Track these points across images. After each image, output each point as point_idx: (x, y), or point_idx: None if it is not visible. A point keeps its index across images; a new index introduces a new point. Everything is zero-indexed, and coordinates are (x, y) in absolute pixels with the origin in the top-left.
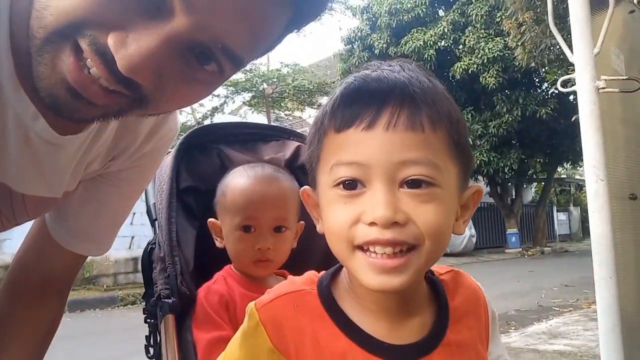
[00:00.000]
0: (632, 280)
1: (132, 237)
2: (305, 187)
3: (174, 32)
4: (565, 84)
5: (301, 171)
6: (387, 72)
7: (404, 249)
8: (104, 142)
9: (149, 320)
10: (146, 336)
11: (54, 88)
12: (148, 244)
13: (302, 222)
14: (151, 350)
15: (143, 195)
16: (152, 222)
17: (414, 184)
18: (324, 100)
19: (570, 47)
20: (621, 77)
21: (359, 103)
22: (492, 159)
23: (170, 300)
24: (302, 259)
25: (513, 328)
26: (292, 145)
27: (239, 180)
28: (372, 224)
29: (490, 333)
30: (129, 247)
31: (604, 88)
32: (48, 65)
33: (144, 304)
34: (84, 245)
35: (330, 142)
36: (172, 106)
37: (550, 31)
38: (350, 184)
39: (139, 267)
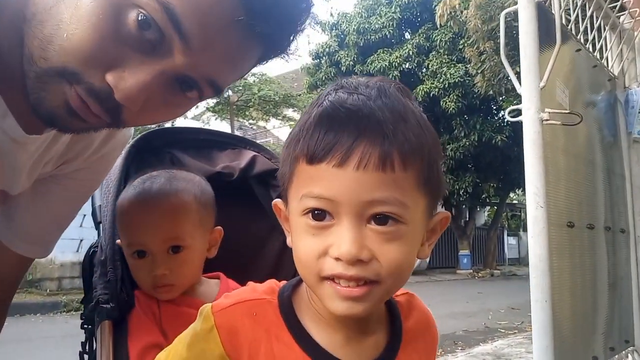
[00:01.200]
0: (566, 304)
1: (81, 240)
2: (277, 200)
3: (169, 67)
4: (512, 113)
5: (255, 180)
6: (363, 100)
7: (367, 281)
8: (61, 145)
9: (85, 325)
10: (82, 342)
11: (55, 109)
12: (90, 247)
13: (218, 227)
14: (86, 357)
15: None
16: (97, 224)
17: (380, 219)
18: (289, 111)
19: (519, 79)
20: (564, 111)
21: (331, 135)
22: (448, 181)
23: (108, 306)
24: (253, 264)
25: (460, 348)
26: (248, 154)
27: (124, 201)
28: (337, 258)
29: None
30: (77, 251)
31: (547, 120)
32: (50, 92)
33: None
34: (28, 247)
35: (301, 172)
36: (144, 123)
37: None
38: (320, 214)
39: None
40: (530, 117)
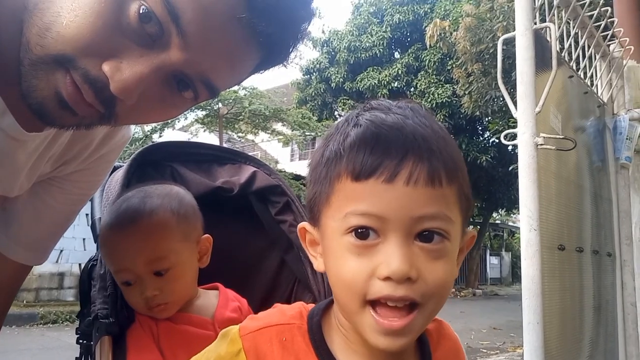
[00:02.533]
0: (556, 325)
1: (61, 250)
2: (304, 223)
3: (167, 62)
4: (507, 137)
5: (255, 196)
6: (401, 118)
7: (411, 311)
8: (60, 145)
9: (81, 341)
10: (76, 358)
11: (46, 99)
12: (90, 260)
13: (206, 236)
14: None
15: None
16: (96, 237)
17: (426, 237)
18: (278, 126)
19: (514, 102)
20: (558, 136)
21: (378, 152)
22: None
23: (107, 321)
24: (250, 280)
25: None
26: (248, 170)
27: (102, 229)
28: (386, 278)
29: None
30: (56, 261)
31: (542, 144)
32: (42, 80)
33: (66, 323)
34: (25, 254)
35: (345, 189)
36: (138, 121)
37: (496, 83)
38: (363, 233)
39: (65, 283)
40: (526, 141)
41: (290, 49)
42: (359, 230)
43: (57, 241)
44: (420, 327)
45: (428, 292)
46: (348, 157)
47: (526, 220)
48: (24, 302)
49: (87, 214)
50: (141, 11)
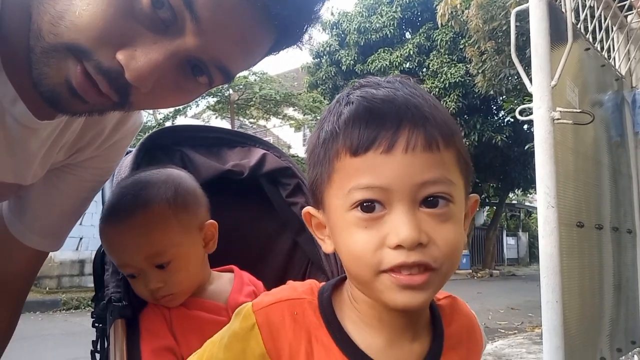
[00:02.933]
0: (575, 304)
1: (81, 238)
2: (309, 207)
3: (181, 48)
4: (522, 112)
5: (265, 178)
6: (392, 91)
7: (427, 267)
8: (72, 133)
9: (97, 324)
10: (93, 341)
11: (56, 87)
12: (101, 245)
13: (211, 221)
14: (97, 356)
15: (96, 195)
16: None
17: (431, 202)
18: (289, 110)
19: (529, 78)
20: (575, 110)
21: (373, 125)
22: None
23: (120, 304)
24: (262, 262)
25: None
26: (258, 152)
27: (101, 224)
28: (398, 246)
29: None
30: (77, 249)
31: (559, 119)
32: (53, 67)
33: (88, 309)
34: (41, 240)
35: (345, 165)
36: (151, 107)
37: (510, 61)
38: (369, 206)
39: (86, 270)
40: (542, 116)
41: (304, 31)
42: (365, 204)
43: (72, 228)
44: (437, 286)
45: (440, 255)
46: (344, 134)
47: (543, 197)
48: (47, 288)
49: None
50: None
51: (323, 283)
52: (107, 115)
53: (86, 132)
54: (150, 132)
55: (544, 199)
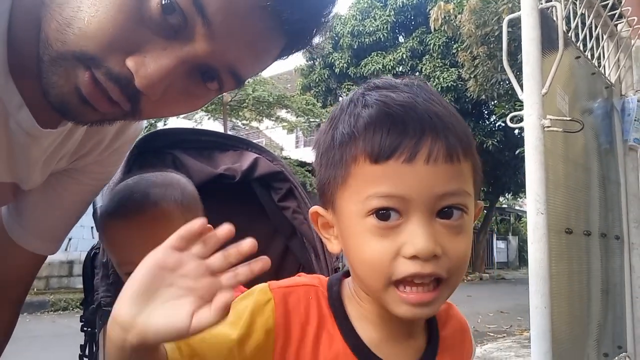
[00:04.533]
0: (563, 309)
1: (70, 239)
2: (316, 207)
3: (192, 54)
4: (513, 119)
5: (257, 183)
6: (412, 97)
7: (436, 286)
8: (74, 142)
9: (86, 328)
10: (81, 345)
11: (66, 95)
12: (92, 248)
13: (207, 226)
14: None
15: None
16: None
17: (446, 213)
18: (282, 112)
19: (520, 84)
20: (566, 118)
21: (395, 133)
22: None
23: (110, 309)
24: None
25: None
26: (250, 156)
27: (104, 218)
28: (413, 257)
29: None
30: (65, 249)
31: (549, 127)
32: (62, 76)
33: (76, 310)
34: (39, 244)
35: (363, 172)
36: (161, 115)
37: (502, 66)
38: (385, 214)
39: (75, 270)
40: (532, 123)
41: (314, 35)
42: (381, 212)
43: (69, 231)
44: (445, 299)
45: (452, 267)
46: (364, 139)
47: (533, 203)
48: (35, 289)
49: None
50: (163, 2)
51: (329, 277)
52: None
53: (87, 141)
54: (143, 132)
55: (533, 206)
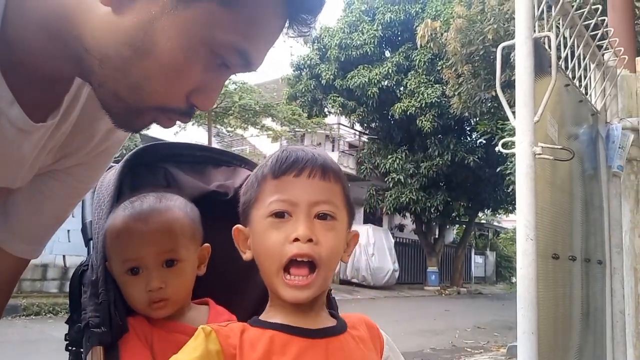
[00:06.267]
0: (549, 334)
1: None
2: (238, 225)
3: (232, 72)
4: (505, 145)
5: None
6: (305, 148)
7: (312, 272)
8: (62, 135)
9: (70, 347)
10: None
11: (143, 125)
12: (80, 265)
13: (206, 245)
14: None
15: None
16: (87, 241)
17: (323, 216)
18: (267, 121)
19: (512, 111)
20: (556, 146)
21: (290, 160)
22: (420, 198)
23: (99, 330)
24: (245, 285)
25: None
26: (243, 173)
27: (115, 222)
28: (295, 240)
29: (388, 353)
30: None
31: (540, 154)
32: (142, 119)
33: (49, 315)
34: (23, 247)
35: (267, 187)
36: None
37: (485, 85)
38: (280, 214)
39: (49, 274)
40: (524, 150)
41: (312, 20)
42: (278, 213)
43: (53, 234)
44: (319, 286)
45: (323, 253)
46: (271, 166)
47: (523, 229)
48: None
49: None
50: (218, 62)
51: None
52: (97, 122)
53: (75, 135)
54: (128, 137)
55: (523, 232)
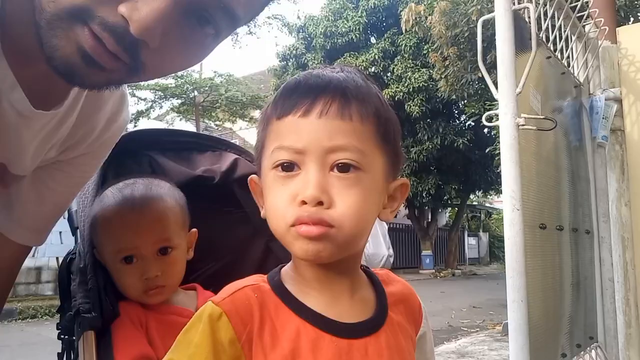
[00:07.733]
0: (538, 303)
1: None
2: (253, 175)
3: None
4: (488, 119)
5: (237, 184)
6: (326, 71)
7: (325, 223)
8: (66, 129)
9: (63, 336)
10: (58, 354)
11: (70, 57)
12: (68, 253)
13: (194, 230)
14: None
15: None
16: (74, 230)
17: (342, 168)
18: (256, 113)
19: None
20: (539, 116)
21: (297, 94)
22: (411, 183)
23: (90, 315)
24: (235, 268)
25: None
26: (230, 157)
27: (107, 209)
28: (302, 202)
29: (424, 328)
30: (33, 255)
31: (523, 125)
32: (62, 37)
33: (45, 318)
34: (26, 234)
35: (272, 129)
36: (166, 70)
37: (471, 67)
38: (288, 167)
39: (43, 277)
40: (507, 122)
41: None
42: (284, 165)
43: (56, 222)
44: (340, 242)
45: (339, 216)
46: (274, 104)
47: (509, 200)
48: None
49: None
50: None
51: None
52: (98, 112)
53: (78, 129)
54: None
55: (509, 202)
